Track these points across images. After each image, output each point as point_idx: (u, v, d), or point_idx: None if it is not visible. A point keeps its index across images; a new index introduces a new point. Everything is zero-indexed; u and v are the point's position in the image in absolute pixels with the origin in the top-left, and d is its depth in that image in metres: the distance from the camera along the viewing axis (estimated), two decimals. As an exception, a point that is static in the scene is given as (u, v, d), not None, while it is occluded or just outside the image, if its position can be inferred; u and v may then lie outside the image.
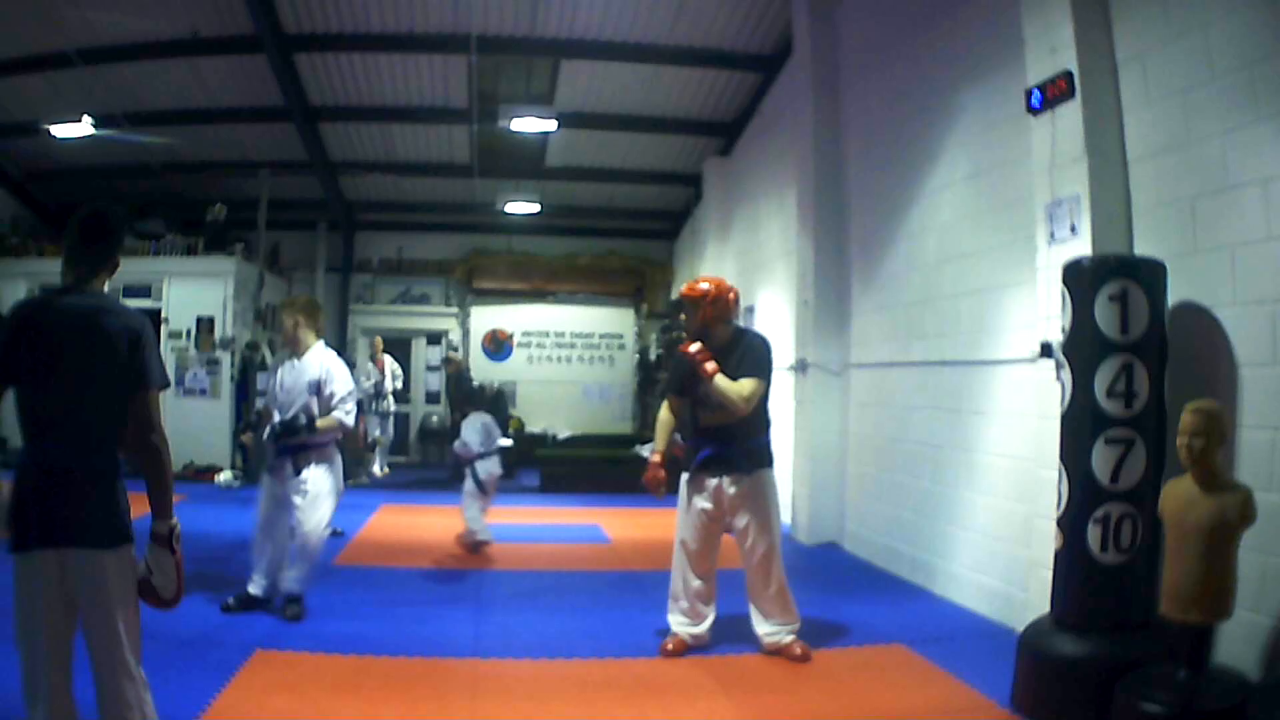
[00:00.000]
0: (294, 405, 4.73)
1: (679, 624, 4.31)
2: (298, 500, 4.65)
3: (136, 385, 2.38)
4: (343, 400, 4.76)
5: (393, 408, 11.20)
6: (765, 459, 4.27)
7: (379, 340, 11.45)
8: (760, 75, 9.42)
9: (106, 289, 2.53)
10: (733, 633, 4.40)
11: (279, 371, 4.95)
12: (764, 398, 4.21)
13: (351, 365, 11.96)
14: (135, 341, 2.39)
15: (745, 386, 4.09)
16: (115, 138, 9.54)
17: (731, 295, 4.30)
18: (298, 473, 4.67)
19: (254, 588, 4.69)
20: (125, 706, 2.35)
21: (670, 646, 4.23)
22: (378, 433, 10.97)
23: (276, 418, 4.77)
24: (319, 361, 4.82)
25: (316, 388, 4.73)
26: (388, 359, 11.23)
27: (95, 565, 2.32)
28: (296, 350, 4.87)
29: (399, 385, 11.27)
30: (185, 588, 2.48)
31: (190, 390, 10.39)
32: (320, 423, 4.67)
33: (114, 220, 2.55)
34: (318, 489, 4.72)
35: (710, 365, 4.10)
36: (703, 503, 4.26)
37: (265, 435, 4.79)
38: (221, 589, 5.11)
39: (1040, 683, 3.48)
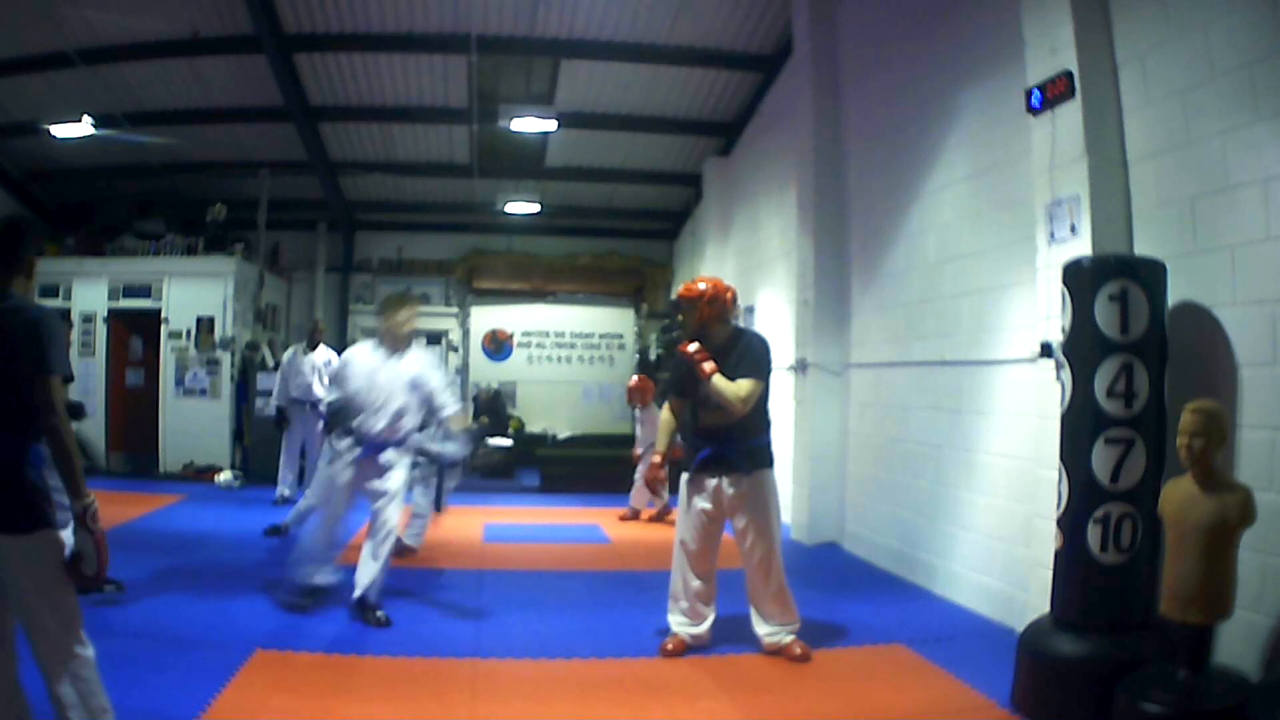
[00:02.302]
0: (389, 402, 4.74)
1: (679, 624, 4.31)
2: (383, 498, 4.76)
3: (35, 371, 2.46)
4: (446, 393, 4.84)
5: None
6: (765, 459, 4.26)
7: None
8: (760, 75, 9.42)
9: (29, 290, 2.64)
10: (733, 633, 4.40)
11: (362, 367, 4.86)
12: (763, 398, 4.20)
13: None
14: (34, 331, 2.48)
15: (743, 387, 4.08)
16: (115, 138, 9.54)
17: (729, 295, 4.29)
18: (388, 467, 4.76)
19: (325, 578, 4.83)
20: (56, 682, 2.44)
21: (670, 646, 4.24)
22: None
23: (371, 415, 4.75)
24: (418, 360, 4.88)
25: (414, 384, 4.79)
26: None
27: (13, 549, 2.41)
28: (398, 348, 4.86)
29: None
30: (109, 565, 2.57)
31: (190, 390, 10.39)
32: (456, 422, 4.77)
33: (22, 228, 2.68)
34: (399, 485, 4.82)
35: (708, 365, 4.10)
36: (702, 503, 4.26)
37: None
38: (222, 589, 5.11)
39: (1040, 683, 3.49)
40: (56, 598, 2.46)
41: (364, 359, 4.89)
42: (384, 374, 4.80)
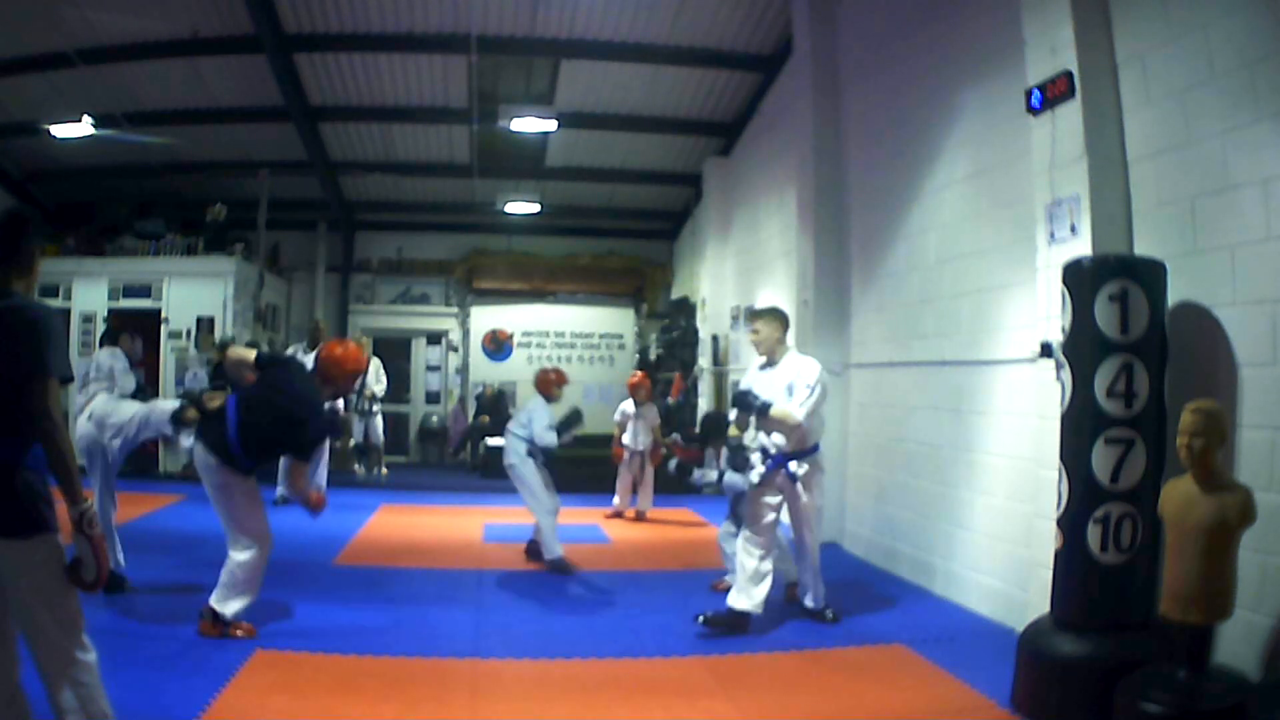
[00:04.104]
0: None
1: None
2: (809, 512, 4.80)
3: (33, 374, 2.40)
4: (809, 397, 4.66)
5: (373, 409, 10.50)
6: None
7: (364, 340, 11.33)
8: (760, 75, 9.43)
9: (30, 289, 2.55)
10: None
11: (756, 385, 4.83)
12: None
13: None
14: (33, 332, 2.41)
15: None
16: (115, 138, 9.53)
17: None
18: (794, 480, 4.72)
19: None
20: (56, 687, 2.41)
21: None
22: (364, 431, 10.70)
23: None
24: (794, 366, 4.78)
25: (790, 389, 4.68)
26: (375, 360, 10.94)
27: (11, 554, 2.38)
28: (774, 358, 4.83)
29: (379, 389, 10.53)
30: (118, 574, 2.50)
31: (190, 390, 10.38)
32: (775, 411, 4.62)
33: (24, 220, 2.58)
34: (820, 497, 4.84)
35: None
36: None
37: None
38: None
39: (1040, 683, 3.49)
40: (56, 603, 2.42)
41: (754, 377, 4.88)
42: (760, 383, 4.79)
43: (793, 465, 4.68)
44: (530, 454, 6.06)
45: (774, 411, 4.58)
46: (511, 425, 6.33)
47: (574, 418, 6.23)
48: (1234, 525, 2.91)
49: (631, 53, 9.04)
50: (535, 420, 6.08)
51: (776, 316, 4.91)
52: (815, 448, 4.79)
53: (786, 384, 4.69)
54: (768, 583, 4.61)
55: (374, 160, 11.63)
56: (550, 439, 5.99)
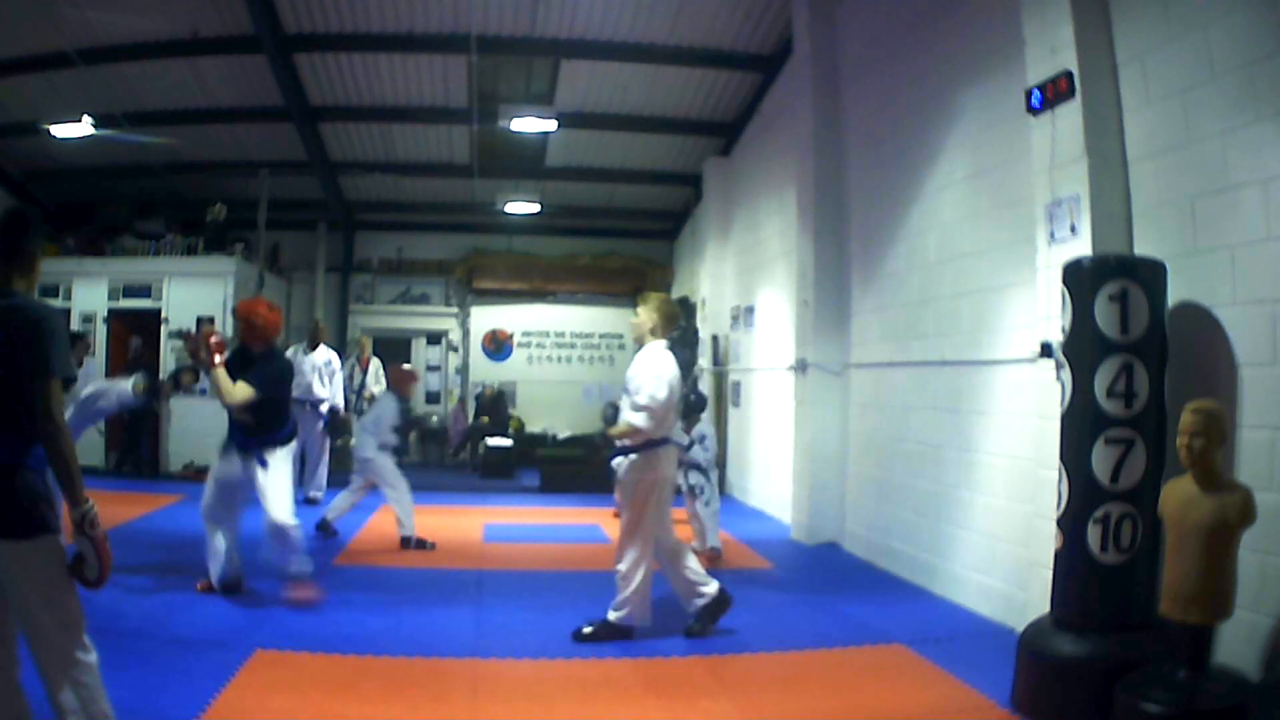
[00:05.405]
0: (623, 406, 4.51)
1: None
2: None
3: (35, 374, 2.39)
4: (640, 401, 4.30)
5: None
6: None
7: (365, 340, 11.27)
8: (760, 75, 9.43)
9: (30, 289, 2.54)
10: (733, 633, 4.40)
11: None
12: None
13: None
14: (35, 332, 2.40)
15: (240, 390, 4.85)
16: (115, 138, 9.53)
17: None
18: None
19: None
20: (57, 688, 2.41)
21: None
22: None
23: None
24: (639, 360, 4.49)
25: (626, 385, 4.46)
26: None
27: (12, 554, 2.37)
28: (640, 345, 4.57)
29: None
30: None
31: (190, 390, 10.37)
32: (612, 430, 4.37)
33: (25, 218, 2.57)
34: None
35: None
36: None
37: None
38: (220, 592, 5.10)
39: (1040, 683, 3.49)
40: (57, 603, 2.42)
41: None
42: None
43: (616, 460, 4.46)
44: (382, 447, 6.57)
45: (613, 432, 4.40)
46: (365, 422, 6.80)
47: (408, 411, 6.90)
48: (1234, 525, 2.92)
49: (631, 53, 9.04)
50: (383, 421, 6.64)
51: (658, 306, 4.54)
52: (643, 446, 4.36)
53: (627, 378, 4.46)
54: (631, 584, 4.46)
55: (374, 160, 11.63)
56: (392, 439, 6.63)
